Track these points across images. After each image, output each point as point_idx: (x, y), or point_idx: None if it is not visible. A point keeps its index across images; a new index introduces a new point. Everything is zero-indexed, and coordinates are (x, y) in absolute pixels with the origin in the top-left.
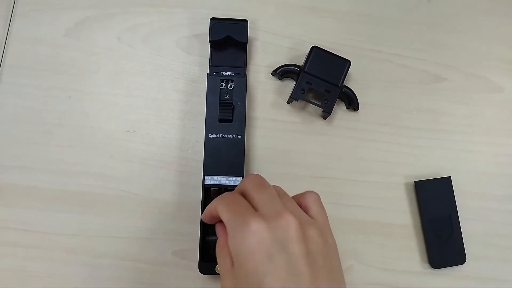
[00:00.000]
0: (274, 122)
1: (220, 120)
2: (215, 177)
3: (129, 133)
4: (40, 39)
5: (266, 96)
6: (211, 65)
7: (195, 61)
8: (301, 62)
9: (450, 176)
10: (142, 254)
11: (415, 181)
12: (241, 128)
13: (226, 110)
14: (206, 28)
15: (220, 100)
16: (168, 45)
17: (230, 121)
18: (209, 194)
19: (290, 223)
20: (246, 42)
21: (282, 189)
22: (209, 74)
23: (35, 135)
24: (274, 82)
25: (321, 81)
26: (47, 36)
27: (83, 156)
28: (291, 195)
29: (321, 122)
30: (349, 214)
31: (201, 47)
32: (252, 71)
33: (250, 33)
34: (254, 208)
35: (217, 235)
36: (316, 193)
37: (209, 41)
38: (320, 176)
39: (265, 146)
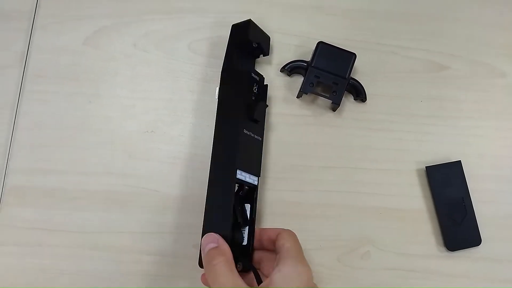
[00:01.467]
0: (285, 117)
1: (251, 119)
2: (243, 173)
3: (147, 133)
4: (60, 48)
5: (276, 92)
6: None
7: (206, 62)
8: (308, 58)
9: (460, 160)
10: (164, 248)
11: (426, 167)
12: (262, 131)
13: (261, 110)
14: (216, 31)
15: (253, 99)
16: (180, 48)
17: (257, 121)
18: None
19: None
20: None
21: None
22: (247, 71)
23: (58, 139)
24: (284, 78)
25: (329, 74)
26: (67, 45)
27: (105, 157)
28: (309, 187)
29: (331, 114)
30: (364, 202)
31: (212, 49)
32: (262, 69)
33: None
34: None
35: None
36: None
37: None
38: (333, 166)
39: (278, 140)
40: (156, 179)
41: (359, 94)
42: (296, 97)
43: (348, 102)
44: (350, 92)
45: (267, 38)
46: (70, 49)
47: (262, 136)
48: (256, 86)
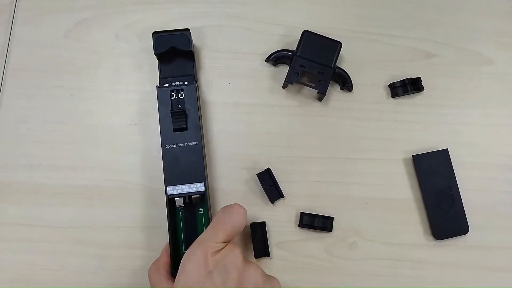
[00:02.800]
0: (271, 107)
1: (175, 130)
2: (177, 187)
3: (130, 126)
4: (41, 42)
5: (262, 82)
6: (160, 78)
7: None
8: (294, 48)
9: (447, 148)
10: (149, 242)
11: (413, 155)
12: (197, 134)
13: (179, 119)
14: (199, 21)
15: (171, 110)
16: None
17: (185, 129)
18: (174, 204)
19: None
20: (191, 51)
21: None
22: (158, 87)
23: (40, 134)
24: (269, 68)
25: (314, 64)
26: (48, 38)
27: (88, 151)
28: (298, 179)
29: (317, 104)
30: (350, 192)
31: (195, 39)
32: (247, 60)
33: (242, 22)
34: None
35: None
36: None
37: (155, 55)
38: (320, 156)
39: (264, 131)
40: (141, 173)
41: (345, 83)
42: (282, 87)
43: (335, 92)
44: (336, 81)
45: (183, 36)
46: (51, 42)
47: (198, 139)
48: (181, 92)
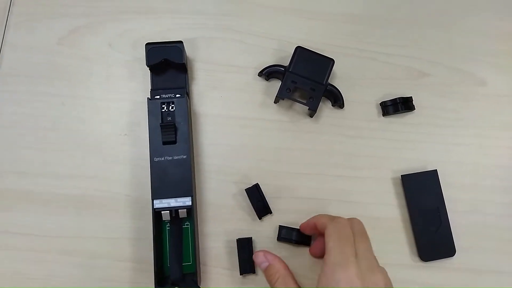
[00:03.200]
0: (262, 122)
1: (164, 143)
2: (164, 200)
3: (120, 136)
4: (34, 47)
5: (254, 96)
6: (152, 89)
7: None
8: (287, 63)
9: (436, 169)
10: (136, 254)
11: (401, 175)
12: (186, 148)
13: (168, 132)
14: (194, 33)
15: (161, 123)
16: None
17: (174, 142)
18: (160, 217)
19: (379, 283)
20: (184, 63)
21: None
22: (148, 99)
23: (30, 141)
24: (261, 82)
25: (306, 80)
26: (41, 44)
27: (77, 159)
28: (286, 195)
29: (308, 120)
30: (338, 209)
31: (188, 51)
32: (239, 73)
33: (237, 35)
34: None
35: (277, 270)
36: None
37: (147, 66)
38: (308, 172)
39: (254, 145)
40: (129, 184)
41: (337, 100)
42: (274, 102)
43: (326, 108)
44: (328, 98)
45: (176, 49)
46: (44, 48)
47: (187, 153)
48: (172, 104)
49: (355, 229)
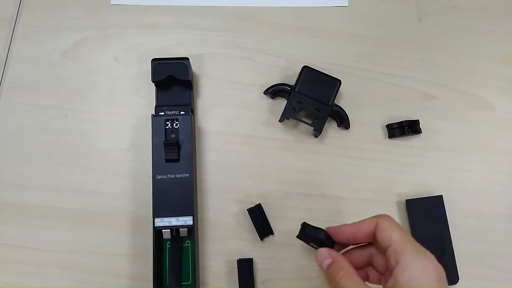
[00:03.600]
0: (266, 140)
1: (167, 161)
2: (165, 219)
3: (123, 151)
4: (39, 59)
5: (259, 114)
6: (156, 106)
7: None
8: (293, 81)
9: (441, 195)
10: (134, 271)
11: (406, 200)
12: (189, 167)
13: (172, 150)
14: (200, 49)
15: (165, 140)
16: None
17: (177, 160)
18: (161, 236)
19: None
20: (190, 80)
21: None
22: (153, 115)
23: (31, 153)
24: (267, 100)
25: (312, 100)
26: (46, 56)
27: (78, 173)
28: (289, 216)
29: (313, 140)
30: None
31: (194, 67)
32: (245, 90)
33: (244, 52)
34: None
35: (342, 265)
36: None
37: (152, 82)
38: (312, 193)
39: (258, 164)
40: (130, 199)
41: (343, 121)
42: (279, 121)
43: (331, 129)
44: (333, 118)
45: (182, 65)
46: (49, 60)
47: (190, 172)
48: (176, 121)
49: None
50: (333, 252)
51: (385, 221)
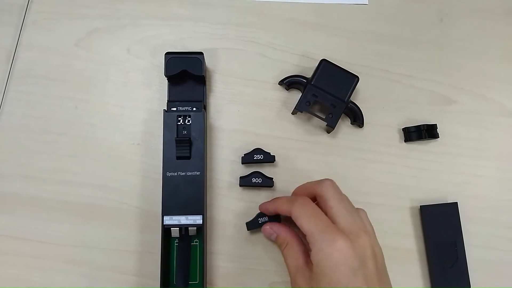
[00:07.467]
0: (279, 139)
1: (178, 158)
2: (174, 217)
3: (133, 145)
4: (50, 48)
5: (272, 112)
6: (168, 101)
7: None
8: (309, 75)
9: (456, 202)
10: (141, 268)
11: (420, 206)
12: (200, 165)
13: (183, 147)
14: (215, 43)
15: (177, 137)
16: None
17: (188, 158)
18: (170, 234)
19: (366, 243)
20: (203, 76)
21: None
22: (165, 111)
23: (40, 144)
24: (281, 92)
25: (328, 95)
26: (58, 45)
27: (87, 166)
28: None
29: (325, 137)
30: None
31: (208, 61)
32: (259, 88)
33: (258, 48)
34: (333, 219)
35: (284, 238)
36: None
37: (165, 76)
38: None
39: None
40: (139, 195)
41: (357, 119)
42: (291, 113)
43: (344, 125)
44: (347, 115)
45: (196, 60)
46: (61, 50)
47: (201, 170)
48: (188, 118)
49: (323, 194)
50: (275, 226)
51: (296, 210)
